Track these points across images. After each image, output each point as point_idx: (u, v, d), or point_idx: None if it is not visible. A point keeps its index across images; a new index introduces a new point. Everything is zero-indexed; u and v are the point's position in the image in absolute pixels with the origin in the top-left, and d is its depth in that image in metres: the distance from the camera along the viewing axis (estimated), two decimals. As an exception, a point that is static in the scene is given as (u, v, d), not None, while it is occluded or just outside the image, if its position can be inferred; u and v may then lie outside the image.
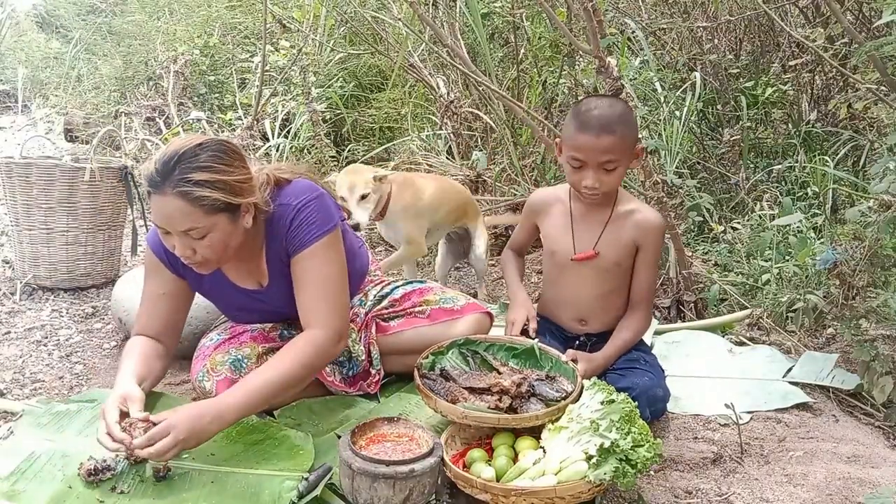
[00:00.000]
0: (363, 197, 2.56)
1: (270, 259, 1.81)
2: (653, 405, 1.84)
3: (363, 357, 2.02)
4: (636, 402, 1.60)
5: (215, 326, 2.04)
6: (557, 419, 1.63)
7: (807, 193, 3.17)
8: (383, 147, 4.36)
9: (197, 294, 2.22)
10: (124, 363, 1.75)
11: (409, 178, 2.84)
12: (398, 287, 2.15)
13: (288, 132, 4.29)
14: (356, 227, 2.51)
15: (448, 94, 3.99)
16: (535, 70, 3.91)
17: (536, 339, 1.92)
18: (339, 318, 1.75)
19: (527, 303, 2.04)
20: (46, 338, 2.45)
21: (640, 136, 2.53)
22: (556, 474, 1.51)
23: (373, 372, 2.03)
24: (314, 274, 1.74)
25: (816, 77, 3.53)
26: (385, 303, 2.10)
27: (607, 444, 1.48)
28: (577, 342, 2.02)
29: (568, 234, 1.98)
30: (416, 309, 2.07)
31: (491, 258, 3.37)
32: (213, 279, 1.83)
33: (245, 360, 1.86)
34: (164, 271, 1.82)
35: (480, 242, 2.97)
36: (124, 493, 1.56)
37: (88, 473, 1.57)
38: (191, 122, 4.41)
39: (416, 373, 1.76)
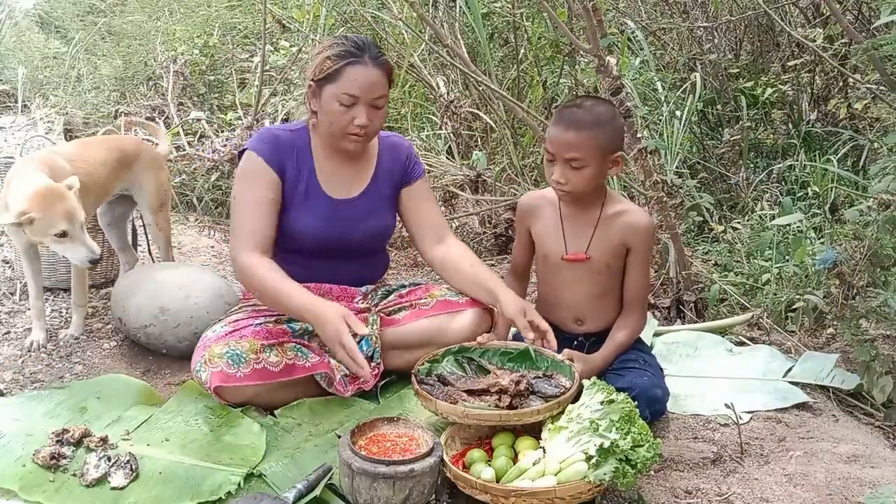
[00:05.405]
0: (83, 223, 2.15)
1: (378, 173, 2.10)
2: (652, 405, 1.83)
3: (375, 336, 2.04)
4: (636, 402, 1.60)
5: (220, 319, 2.06)
6: (559, 415, 1.63)
7: (807, 193, 3.17)
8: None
9: (196, 295, 2.26)
10: (288, 285, 1.87)
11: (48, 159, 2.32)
12: (405, 286, 2.20)
13: (288, 132, 4.27)
14: (97, 262, 2.22)
15: (448, 93, 3.99)
16: (535, 70, 3.91)
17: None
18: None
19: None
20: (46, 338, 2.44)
21: (639, 136, 2.54)
22: (555, 475, 1.51)
23: (372, 365, 2.04)
24: (430, 195, 2.21)
25: (816, 77, 3.54)
26: (392, 297, 2.16)
27: (607, 444, 1.48)
28: (575, 343, 2.01)
29: (559, 235, 1.98)
30: (421, 301, 2.11)
31: (490, 258, 3.37)
32: (308, 183, 2.03)
33: (243, 355, 1.86)
34: (270, 174, 1.99)
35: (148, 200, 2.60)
36: (75, 475, 1.62)
37: (50, 457, 1.64)
38: (190, 121, 4.41)
39: (413, 379, 1.76)
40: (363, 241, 2.13)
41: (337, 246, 2.10)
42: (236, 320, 1.99)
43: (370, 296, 2.16)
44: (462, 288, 2.07)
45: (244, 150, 2.03)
